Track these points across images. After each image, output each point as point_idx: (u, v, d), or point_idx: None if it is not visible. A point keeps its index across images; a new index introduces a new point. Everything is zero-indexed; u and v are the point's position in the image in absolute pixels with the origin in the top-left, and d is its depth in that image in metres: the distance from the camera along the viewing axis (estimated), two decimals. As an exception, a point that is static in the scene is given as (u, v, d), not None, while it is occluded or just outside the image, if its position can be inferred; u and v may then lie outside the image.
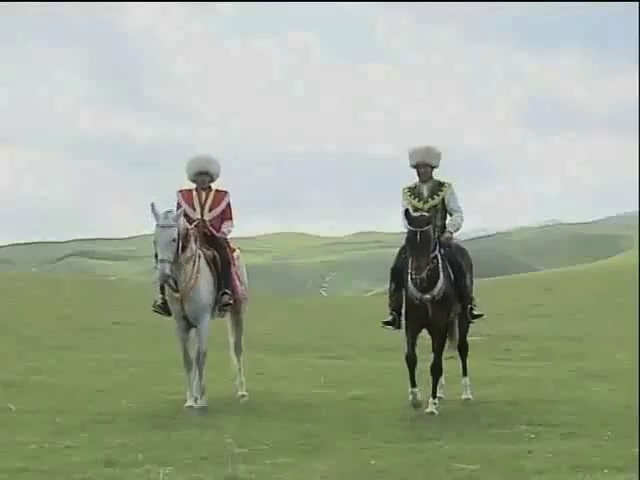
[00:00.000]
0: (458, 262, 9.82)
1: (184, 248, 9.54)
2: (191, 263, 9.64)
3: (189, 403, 9.77)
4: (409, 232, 9.33)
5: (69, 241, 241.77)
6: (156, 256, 9.39)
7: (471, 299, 9.96)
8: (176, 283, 9.57)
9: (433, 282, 9.42)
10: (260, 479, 6.78)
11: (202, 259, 9.83)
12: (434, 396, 9.59)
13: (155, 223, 9.42)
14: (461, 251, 10.16)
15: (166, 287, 9.75)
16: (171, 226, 9.41)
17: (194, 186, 10.36)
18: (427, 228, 9.31)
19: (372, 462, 7.28)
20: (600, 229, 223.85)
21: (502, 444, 7.89)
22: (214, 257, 10.03)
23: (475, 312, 9.94)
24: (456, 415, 9.54)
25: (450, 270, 9.68)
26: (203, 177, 10.31)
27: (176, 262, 9.41)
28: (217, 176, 10.43)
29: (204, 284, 9.78)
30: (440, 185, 10.10)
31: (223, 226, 10.33)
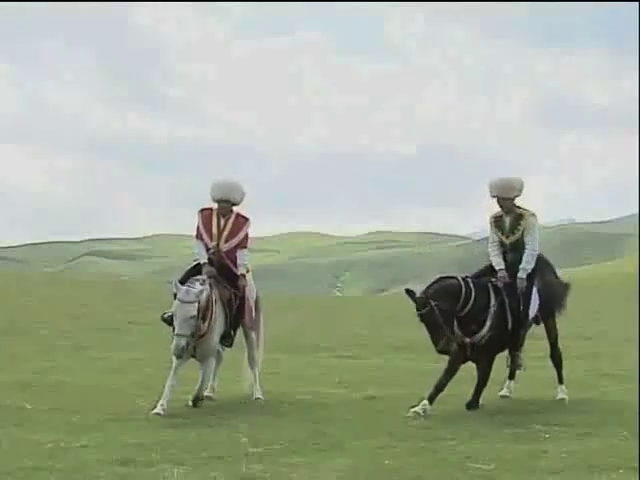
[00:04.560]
0: (524, 315, 9.87)
1: (204, 318, 9.64)
2: (209, 313, 9.72)
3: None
4: (417, 315, 9.53)
5: (83, 241, 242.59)
6: (173, 328, 9.53)
7: (521, 350, 10.04)
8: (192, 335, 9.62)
9: (475, 329, 9.62)
10: (275, 478, 6.78)
11: (218, 303, 9.92)
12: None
13: (176, 297, 9.52)
14: (549, 288, 10.30)
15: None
16: (191, 302, 9.47)
17: (215, 206, 10.38)
18: (424, 311, 9.42)
19: (387, 461, 7.27)
20: (616, 228, 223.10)
21: (517, 444, 7.87)
22: (230, 299, 10.13)
23: (519, 361, 10.03)
24: (471, 415, 9.52)
25: (510, 318, 9.77)
26: (224, 204, 10.29)
27: (194, 335, 9.54)
28: (239, 203, 10.42)
29: (218, 329, 9.94)
30: (520, 218, 10.13)
31: (239, 257, 10.32)
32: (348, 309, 31.63)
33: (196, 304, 9.50)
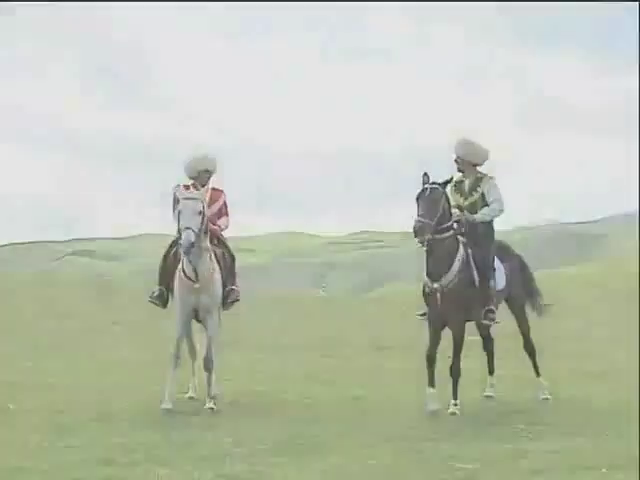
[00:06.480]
0: (488, 264, 9.77)
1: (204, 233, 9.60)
2: (207, 254, 9.70)
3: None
4: (421, 190, 9.43)
5: (67, 240, 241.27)
6: (179, 230, 9.45)
7: (492, 304, 9.88)
8: (196, 274, 9.59)
9: (443, 270, 9.44)
10: (259, 478, 6.78)
11: (213, 254, 9.91)
12: (455, 397, 9.59)
13: (180, 198, 9.51)
14: (505, 254, 10.28)
15: (180, 279, 9.71)
16: (196, 198, 9.54)
17: (191, 182, 10.45)
18: (439, 188, 9.46)
19: (371, 461, 7.28)
20: (600, 228, 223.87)
21: (501, 443, 7.89)
22: (223, 254, 10.16)
23: (491, 315, 9.86)
24: (455, 415, 9.53)
25: (474, 268, 9.63)
26: (203, 175, 10.42)
27: (199, 238, 9.41)
28: (214, 173, 10.56)
29: (219, 277, 9.88)
30: (479, 180, 10.02)
31: (219, 221, 10.41)
32: (333, 309, 31.57)
33: (201, 201, 9.54)
